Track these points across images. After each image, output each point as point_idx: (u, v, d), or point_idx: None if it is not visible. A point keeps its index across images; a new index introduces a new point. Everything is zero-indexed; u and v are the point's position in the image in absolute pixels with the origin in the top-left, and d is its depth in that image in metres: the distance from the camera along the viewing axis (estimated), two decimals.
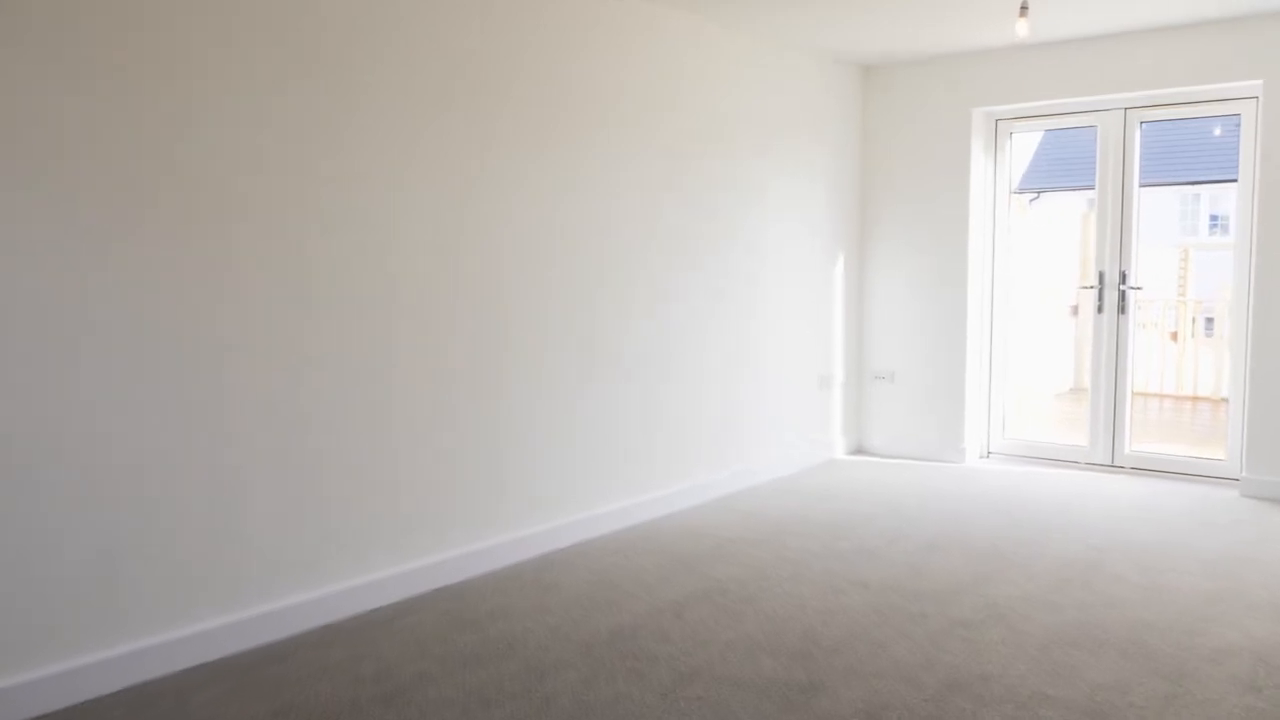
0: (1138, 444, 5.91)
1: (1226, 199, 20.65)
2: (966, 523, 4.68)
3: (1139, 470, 5.74)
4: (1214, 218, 20.75)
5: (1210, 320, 11.26)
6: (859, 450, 6.45)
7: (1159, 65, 5.31)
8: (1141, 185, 5.67)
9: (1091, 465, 5.88)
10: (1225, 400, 8.99)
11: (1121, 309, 5.72)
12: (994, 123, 6.05)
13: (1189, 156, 13.41)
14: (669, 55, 4.75)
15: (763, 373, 5.53)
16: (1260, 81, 5.07)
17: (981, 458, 6.23)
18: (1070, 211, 11.21)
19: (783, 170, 5.59)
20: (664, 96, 4.73)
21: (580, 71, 4.27)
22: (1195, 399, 9.23)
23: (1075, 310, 10.40)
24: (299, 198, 3.26)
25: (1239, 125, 5.37)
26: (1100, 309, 5.78)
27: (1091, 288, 5.82)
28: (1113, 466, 5.82)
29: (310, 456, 3.33)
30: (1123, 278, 5.71)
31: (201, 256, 3.02)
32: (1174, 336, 10.16)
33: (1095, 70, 5.49)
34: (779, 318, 5.64)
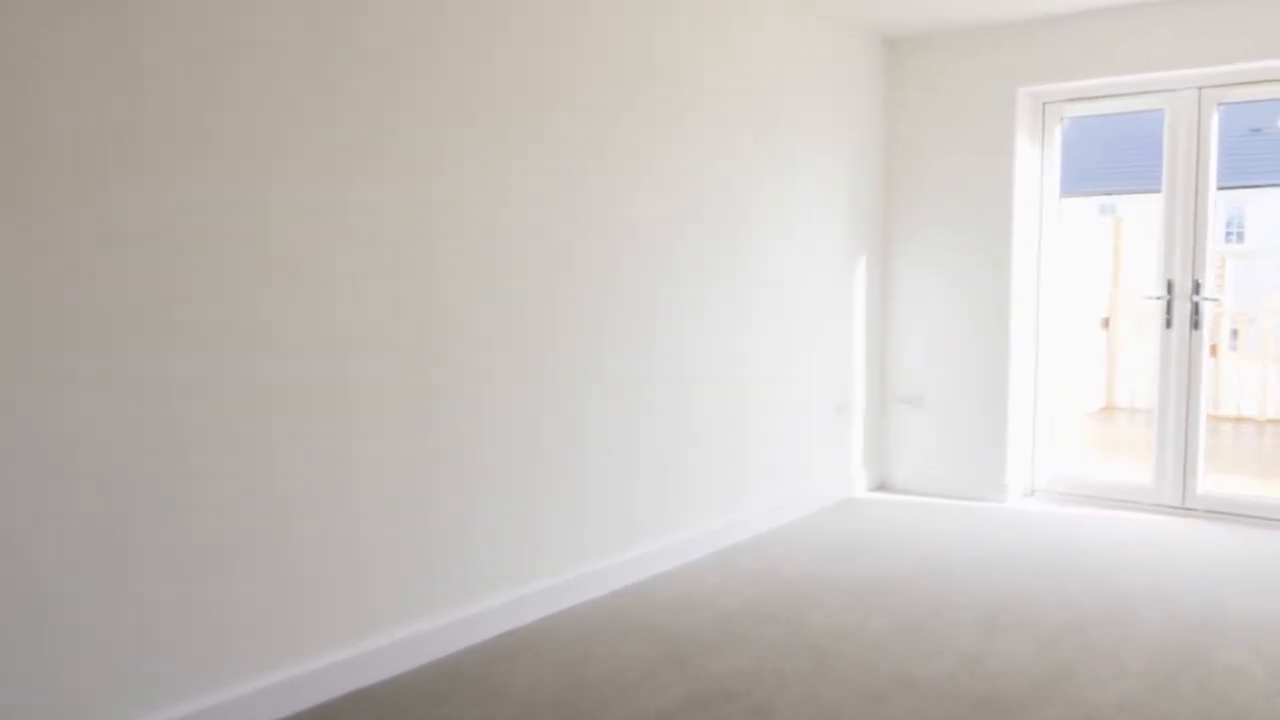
0: (1211, 481, 5.03)
1: (1244, 205, 19.88)
2: (1026, 587, 3.80)
3: (1214, 513, 4.86)
4: (1229, 227, 19.95)
5: (1235, 332, 10.46)
6: (882, 486, 5.57)
7: (1241, 35, 4.45)
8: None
9: (1158, 507, 5.00)
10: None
11: (1195, 324, 4.85)
12: (1041, 106, 5.18)
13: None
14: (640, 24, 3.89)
15: (770, 399, 4.65)
16: None
17: (1026, 495, 5.35)
18: (1098, 216, 10.41)
19: (791, 162, 4.72)
20: (644, 71, 3.87)
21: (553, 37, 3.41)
22: (1239, 419, 8.37)
23: (1106, 323, 9.65)
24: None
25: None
26: (1169, 323, 4.91)
27: (1159, 299, 4.95)
28: (1183, 509, 4.94)
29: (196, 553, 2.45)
30: (1196, 288, 4.84)
31: None
32: (1214, 350, 9.35)
33: (1164, 42, 4.63)
34: (789, 332, 4.76)
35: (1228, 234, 20.58)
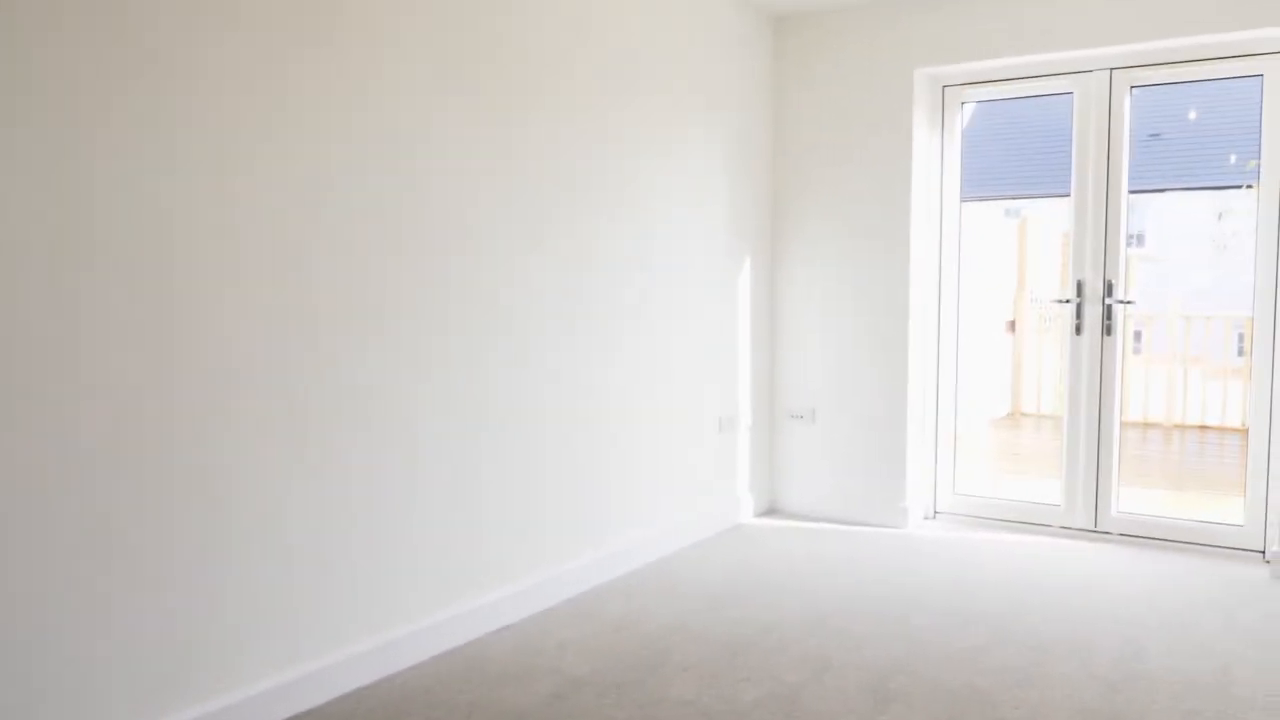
0: (1124, 499, 4.59)
1: (1146, 210, 20.15)
2: (924, 639, 3.26)
3: (1129, 538, 4.42)
4: (1132, 232, 20.21)
5: (1139, 334, 10.29)
6: (772, 510, 5.02)
7: (1154, 11, 4.02)
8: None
9: (1069, 531, 4.55)
10: (1201, 428, 8.07)
11: (1107, 329, 4.41)
12: (940, 89, 4.70)
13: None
14: None
15: (641, 419, 4.06)
16: None
17: (927, 519, 4.86)
18: (1004, 218, 10.12)
19: (664, 153, 4.14)
20: (490, 39, 3.24)
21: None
22: (1146, 425, 8.09)
23: (1012, 327, 9.35)
24: None
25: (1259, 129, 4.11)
26: (1079, 329, 4.46)
27: (1067, 302, 4.50)
28: (1096, 532, 4.49)
29: None
30: (1109, 289, 4.40)
31: None
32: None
33: (1073, 19, 4.18)
34: (664, 343, 4.18)
35: (1130, 238, 20.87)
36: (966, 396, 7.64)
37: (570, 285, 3.63)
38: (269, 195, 2.57)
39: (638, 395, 4.03)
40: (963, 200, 4.75)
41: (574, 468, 3.72)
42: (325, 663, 2.77)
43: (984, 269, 8.96)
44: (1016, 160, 11.08)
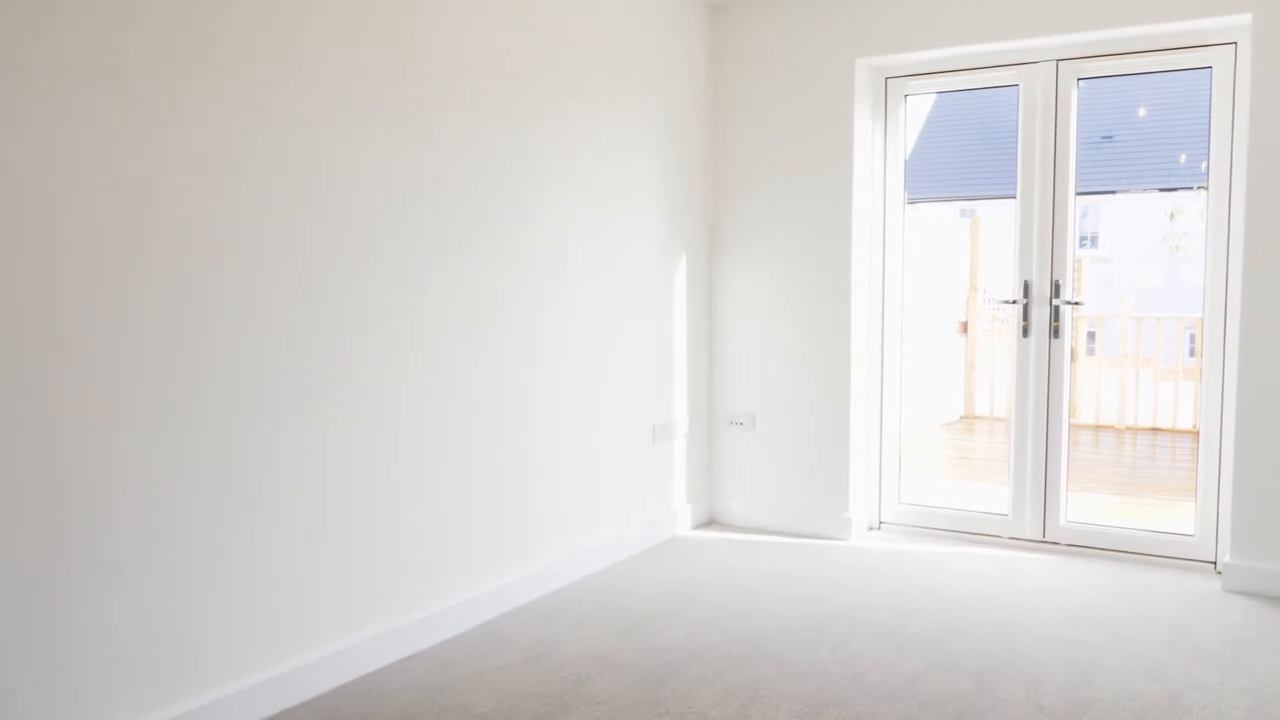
0: (1074, 507, 4.42)
1: (1099, 212, 20.21)
2: (860, 666, 3.04)
3: (1077, 548, 4.24)
4: (1085, 233, 20.26)
5: (1092, 334, 10.23)
6: (711, 522, 4.79)
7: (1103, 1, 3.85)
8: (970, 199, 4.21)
9: (1017, 541, 4.36)
10: (1153, 430, 7.96)
11: (1055, 331, 4.23)
12: (883, 81, 4.50)
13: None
14: None
15: (567, 428, 3.82)
16: (1247, 17, 3.65)
17: (872, 529, 4.66)
18: (957, 217, 10.00)
19: (592, 148, 3.90)
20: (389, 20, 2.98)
21: None
22: (1098, 427, 7.98)
23: (964, 328, 9.22)
24: None
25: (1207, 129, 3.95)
26: (1026, 331, 4.28)
27: (1014, 303, 4.32)
28: (1045, 542, 4.31)
29: None
30: (1056, 290, 4.22)
31: None
32: (1072, 355, 9.01)
33: (1017, 7, 3.99)
34: (593, 347, 3.94)
35: (1083, 240, 20.91)
36: (917, 400, 7.50)
37: (485, 288, 3.38)
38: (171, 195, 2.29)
39: (564, 404, 3.78)
40: (912, 201, 4.56)
41: (495, 482, 3.46)
42: (220, 694, 2.49)
43: (937, 269, 8.81)
44: (969, 160, 10.97)
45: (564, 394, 3.78)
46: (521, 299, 3.55)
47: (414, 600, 3.15)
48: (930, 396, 8.20)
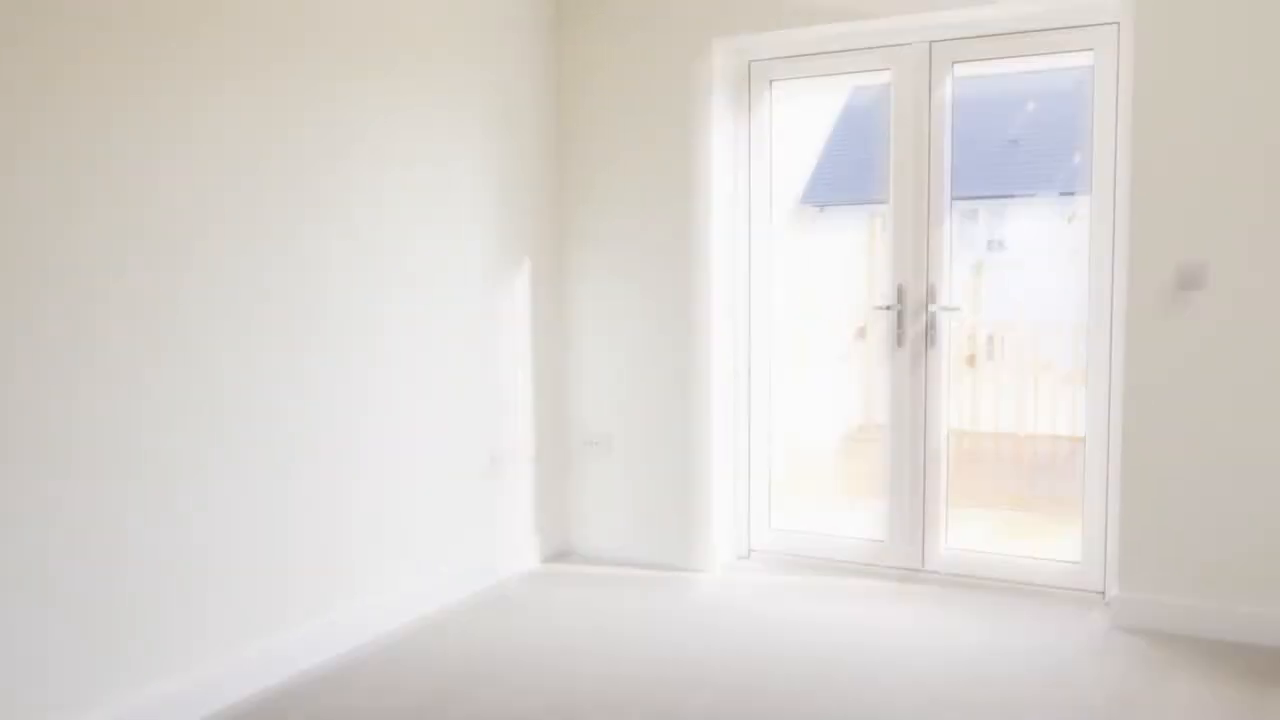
0: (955, 532, 4.03)
1: (1006, 216, 20.38)
2: None
3: (957, 579, 3.86)
4: (992, 237, 20.38)
5: (992, 338, 10.04)
6: (564, 553, 4.30)
7: None
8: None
9: (893, 571, 3.96)
10: (1053, 438, 7.72)
11: (930, 339, 3.84)
12: (746, 66, 4.07)
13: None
14: None
15: (383, 463, 3.30)
16: None
17: (741, 559, 4.22)
18: (853, 217, 9.71)
19: (412, 140, 3.39)
20: None
21: None
22: (997, 436, 7.70)
23: (862, 333, 8.90)
24: None
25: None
26: (900, 339, 3.89)
27: (888, 308, 3.93)
28: (923, 572, 3.92)
29: None
30: (931, 294, 3.84)
31: None
32: (971, 361, 8.74)
33: None
34: (409, 365, 3.42)
35: (991, 243, 21.04)
36: (812, 413, 7.12)
37: (276, 300, 2.84)
38: None
39: (371, 433, 3.26)
40: (822, 205, 4.15)
41: (283, 527, 2.93)
42: None
43: (843, 275, 8.47)
44: (880, 161, 10.67)
45: (368, 422, 3.26)
46: (321, 316, 3.01)
47: (151, 672, 2.60)
48: (827, 408, 7.85)
